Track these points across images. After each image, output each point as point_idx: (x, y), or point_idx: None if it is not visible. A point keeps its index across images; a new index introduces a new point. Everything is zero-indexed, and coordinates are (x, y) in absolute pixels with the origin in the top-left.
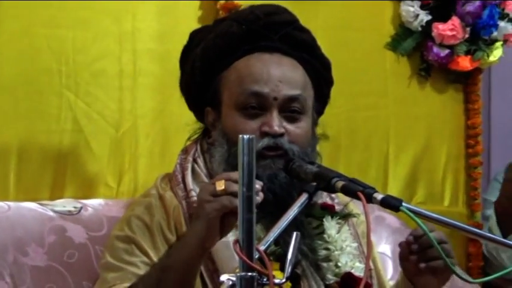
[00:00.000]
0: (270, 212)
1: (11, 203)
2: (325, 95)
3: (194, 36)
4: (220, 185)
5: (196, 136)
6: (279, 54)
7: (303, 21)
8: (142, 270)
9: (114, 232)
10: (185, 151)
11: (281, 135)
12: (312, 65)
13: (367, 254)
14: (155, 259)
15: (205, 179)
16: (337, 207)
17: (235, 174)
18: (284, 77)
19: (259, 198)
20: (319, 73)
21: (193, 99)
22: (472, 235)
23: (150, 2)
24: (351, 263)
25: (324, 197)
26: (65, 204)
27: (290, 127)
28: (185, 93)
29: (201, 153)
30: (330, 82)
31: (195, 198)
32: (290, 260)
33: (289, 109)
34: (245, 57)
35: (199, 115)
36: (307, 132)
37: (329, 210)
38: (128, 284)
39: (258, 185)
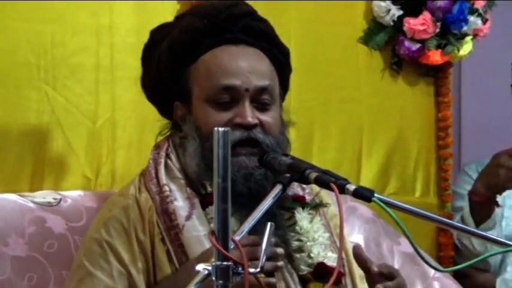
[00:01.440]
0: (244, 205)
1: None
2: (286, 83)
3: (155, 34)
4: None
5: (166, 131)
6: (243, 46)
7: (277, 16)
8: (115, 280)
9: (91, 232)
10: (157, 146)
11: (254, 126)
12: (273, 53)
13: (339, 244)
14: (129, 264)
15: (178, 174)
16: (308, 198)
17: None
18: (253, 68)
19: (279, 263)
20: (280, 61)
21: (160, 95)
22: (442, 225)
23: None
24: (323, 253)
25: (295, 188)
26: (45, 195)
27: (262, 117)
28: (150, 90)
29: (174, 148)
30: (289, 69)
31: (168, 193)
32: (264, 249)
33: (260, 99)
34: (211, 51)
35: (165, 110)
36: (278, 121)
37: (300, 201)
38: None
39: (278, 250)
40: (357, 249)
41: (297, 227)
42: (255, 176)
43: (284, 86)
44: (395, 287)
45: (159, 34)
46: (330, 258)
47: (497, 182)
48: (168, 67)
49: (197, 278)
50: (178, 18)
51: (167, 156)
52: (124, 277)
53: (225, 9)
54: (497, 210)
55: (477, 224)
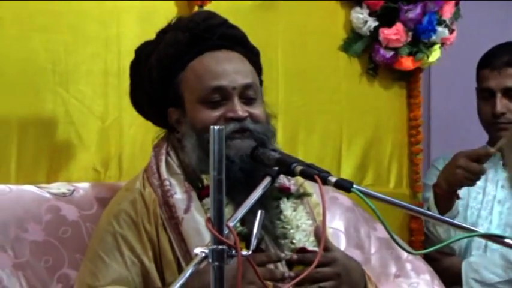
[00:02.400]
0: (239, 192)
1: (12, 186)
2: (260, 79)
3: (140, 51)
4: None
5: (162, 135)
6: (224, 50)
7: (267, 27)
8: (128, 269)
9: (103, 225)
10: (158, 146)
11: (245, 118)
12: (248, 55)
13: (322, 229)
14: (140, 253)
15: (178, 170)
16: (293, 188)
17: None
18: (236, 69)
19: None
20: (254, 61)
21: (154, 105)
22: (414, 213)
23: (133, 9)
24: (305, 239)
25: (281, 179)
26: (59, 187)
27: (250, 110)
28: (143, 102)
29: (172, 147)
30: (261, 69)
31: (169, 187)
32: (255, 234)
33: (246, 95)
34: (197, 59)
35: (159, 119)
36: (263, 112)
37: (285, 192)
38: None
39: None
40: (316, 229)
41: (282, 216)
42: (247, 162)
43: (260, 83)
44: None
45: (143, 51)
46: (311, 244)
47: (455, 180)
48: (160, 78)
49: (195, 260)
50: (160, 33)
51: (167, 154)
52: (137, 266)
53: (202, 22)
54: (462, 200)
55: (441, 213)
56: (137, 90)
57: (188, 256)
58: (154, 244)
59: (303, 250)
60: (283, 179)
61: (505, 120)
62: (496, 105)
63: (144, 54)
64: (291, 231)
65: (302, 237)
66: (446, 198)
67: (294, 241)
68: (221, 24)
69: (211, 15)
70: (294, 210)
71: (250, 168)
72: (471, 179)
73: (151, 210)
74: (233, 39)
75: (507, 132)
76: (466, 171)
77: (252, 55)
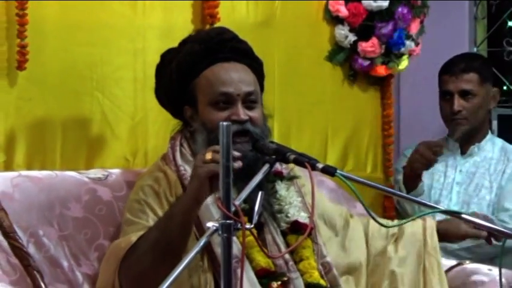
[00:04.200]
0: (241, 179)
1: (58, 172)
2: (262, 86)
3: (164, 56)
4: (209, 155)
5: (178, 128)
6: (233, 62)
7: (266, 41)
8: (151, 223)
9: (131, 197)
10: (173, 138)
11: (246, 121)
12: (253, 66)
13: (311, 208)
14: (160, 215)
15: (190, 158)
16: (285, 172)
17: (218, 147)
18: (242, 79)
19: (236, 164)
20: (258, 71)
21: (172, 102)
22: (386, 193)
23: (156, 26)
24: (297, 213)
25: (276, 166)
26: (96, 172)
27: (251, 114)
28: (164, 99)
29: (185, 139)
30: (263, 76)
31: (184, 171)
32: (257, 211)
33: (248, 100)
34: (210, 68)
35: (176, 112)
36: (262, 115)
37: (279, 175)
38: (141, 232)
39: (236, 152)
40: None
41: (277, 195)
42: (249, 157)
43: (262, 89)
44: None
45: (166, 57)
46: (302, 217)
47: (414, 163)
48: (178, 81)
49: (208, 232)
50: (181, 44)
51: (181, 145)
52: None
53: (216, 36)
54: (428, 182)
55: (408, 192)
56: (160, 88)
57: (201, 228)
58: None
59: (296, 222)
60: (277, 165)
61: (460, 116)
62: (453, 105)
63: (167, 59)
64: (286, 207)
65: (295, 211)
66: (411, 179)
67: (288, 215)
68: (232, 38)
69: (224, 30)
70: (287, 190)
71: (247, 162)
72: (425, 163)
73: (172, 185)
74: (242, 52)
75: (461, 126)
76: (421, 157)
77: (256, 65)
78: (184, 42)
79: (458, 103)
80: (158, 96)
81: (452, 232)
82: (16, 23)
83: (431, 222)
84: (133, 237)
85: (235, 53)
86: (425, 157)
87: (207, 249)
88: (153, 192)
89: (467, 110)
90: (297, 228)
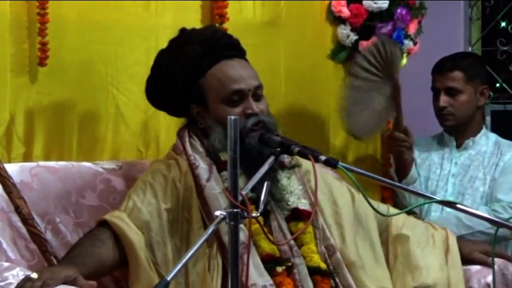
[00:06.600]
0: (252, 169)
1: (74, 163)
2: None
3: (160, 59)
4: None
5: (183, 123)
6: (235, 58)
7: (270, 41)
8: (143, 203)
9: (142, 175)
10: (181, 131)
11: (259, 113)
12: (245, 58)
13: (314, 197)
14: (160, 200)
15: (200, 149)
16: (286, 161)
17: None
18: (249, 74)
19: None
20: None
21: (177, 102)
22: (386, 184)
23: (167, 25)
24: (298, 201)
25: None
26: (110, 163)
27: (259, 106)
28: (167, 99)
29: (194, 133)
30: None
31: (194, 161)
32: (263, 200)
33: (257, 94)
34: (215, 66)
35: (179, 111)
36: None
37: (281, 165)
38: (117, 213)
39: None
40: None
41: (279, 184)
42: (256, 149)
43: None
44: None
45: (163, 59)
46: (303, 204)
47: (395, 150)
48: (184, 82)
49: (216, 220)
50: (177, 46)
51: (190, 137)
52: (152, 206)
53: (211, 35)
54: (425, 173)
55: (400, 181)
56: (160, 89)
57: (210, 215)
58: (179, 200)
59: (296, 209)
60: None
61: (446, 112)
62: (439, 101)
63: (164, 62)
64: (286, 195)
65: (295, 199)
66: (399, 167)
67: (289, 203)
68: (224, 35)
69: (216, 29)
70: (288, 179)
71: (261, 150)
72: (403, 146)
73: (183, 173)
74: (237, 48)
75: (447, 122)
76: (396, 140)
77: (245, 56)
78: (180, 45)
79: (443, 100)
80: (154, 97)
81: (462, 253)
82: (37, 22)
83: (453, 236)
84: (107, 216)
85: (233, 49)
86: (400, 139)
87: (216, 236)
88: (161, 177)
89: (453, 106)
90: (297, 215)
